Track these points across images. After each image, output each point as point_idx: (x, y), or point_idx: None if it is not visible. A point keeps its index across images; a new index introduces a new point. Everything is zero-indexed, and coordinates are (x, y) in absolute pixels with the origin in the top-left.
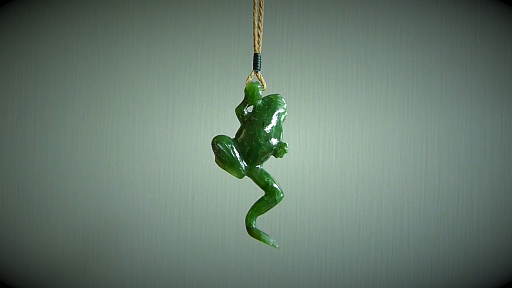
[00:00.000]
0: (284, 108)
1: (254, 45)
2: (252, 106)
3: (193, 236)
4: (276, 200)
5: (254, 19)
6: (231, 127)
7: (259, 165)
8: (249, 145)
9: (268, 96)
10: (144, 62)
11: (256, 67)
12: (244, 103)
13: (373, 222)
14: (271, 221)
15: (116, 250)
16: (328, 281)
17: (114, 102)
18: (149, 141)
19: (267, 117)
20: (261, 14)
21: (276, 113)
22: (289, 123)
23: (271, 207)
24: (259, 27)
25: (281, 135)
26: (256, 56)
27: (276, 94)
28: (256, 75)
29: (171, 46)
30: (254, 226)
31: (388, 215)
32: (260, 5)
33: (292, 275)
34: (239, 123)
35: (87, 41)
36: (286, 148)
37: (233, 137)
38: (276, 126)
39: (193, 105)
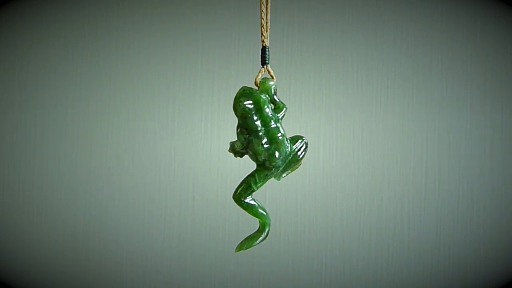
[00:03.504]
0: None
1: (263, 37)
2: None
3: (193, 236)
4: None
5: (261, 9)
6: (231, 127)
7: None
8: None
9: None
10: (144, 62)
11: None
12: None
13: (373, 222)
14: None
15: (116, 250)
16: (328, 281)
17: (114, 102)
18: (150, 141)
19: None
20: (267, 6)
21: None
22: (290, 123)
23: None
24: (266, 19)
25: (240, 135)
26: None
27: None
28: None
29: (171, 46)
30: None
31: (388, 215)
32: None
33: (292, 275)
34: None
35: (87, 41)
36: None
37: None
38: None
39: (194, 105)
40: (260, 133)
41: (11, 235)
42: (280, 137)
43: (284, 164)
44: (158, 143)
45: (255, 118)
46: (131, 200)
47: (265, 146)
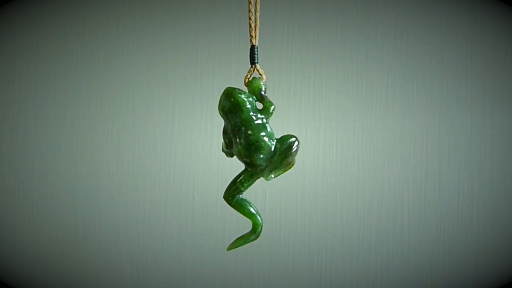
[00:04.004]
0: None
1: (251, 36)
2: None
3: (193, 236)
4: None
5: (249, 9)
6: None
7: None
8: None
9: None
10: (144, 62)
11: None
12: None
13: (374, 222)
14: (271, 221)
15: (116, 250)
16: (328, 281)
17: (114, 102)
18: (149, 141)
19: None
20: (257, 3)
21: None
22: (290, 123)
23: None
24: (254, 19)
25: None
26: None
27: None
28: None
29: (172, 46)
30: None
31: (389, 215)
32: None
33: (292, 275)
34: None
35: (87, 41)
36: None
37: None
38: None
39: (194, 105)
40: (241, 133)
41: (11, 235)
42: (262, 137)
43: (271, 164)
44: (158, 143)
45: (235, 118)
46: (131, 200)
47: (246, 146)
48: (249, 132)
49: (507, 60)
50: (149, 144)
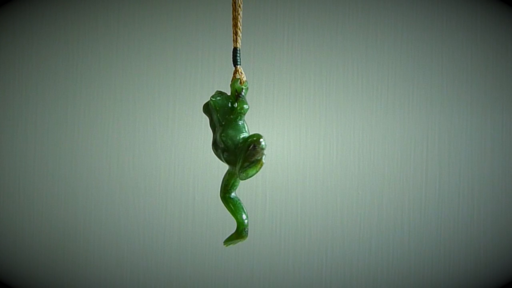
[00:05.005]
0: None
1: (234, 39)
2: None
3: (194, 237)
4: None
5: (233, 11)
6: None
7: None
8: None
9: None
10: (145, 62)
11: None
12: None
13: (374, 222)
14: (271, 221)
15: (117, 250)
16: (329, 281)
17: (114, 102)
18: (150, 141)
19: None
20: (240, 7)
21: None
22: (290, 123)
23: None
24: (237, 22)
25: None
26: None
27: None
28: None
29: (172, 45)
30: (246, 231)
31: (389, 215)
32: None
33: (293, 275)
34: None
35: (88, 41)
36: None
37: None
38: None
39: (194, 104)
40: (215, 134)
41: (11, 235)
42: (228, 136)
43: (238, 163)
44: (158, 143)
45: (213, 119)
46: (131, 200)
47: (216, 145)
48: (219, 132)
49: (507, 60)
50: (149, 144)
